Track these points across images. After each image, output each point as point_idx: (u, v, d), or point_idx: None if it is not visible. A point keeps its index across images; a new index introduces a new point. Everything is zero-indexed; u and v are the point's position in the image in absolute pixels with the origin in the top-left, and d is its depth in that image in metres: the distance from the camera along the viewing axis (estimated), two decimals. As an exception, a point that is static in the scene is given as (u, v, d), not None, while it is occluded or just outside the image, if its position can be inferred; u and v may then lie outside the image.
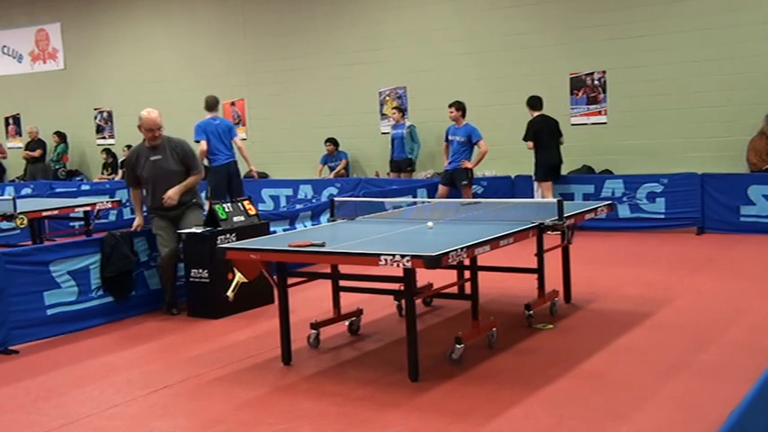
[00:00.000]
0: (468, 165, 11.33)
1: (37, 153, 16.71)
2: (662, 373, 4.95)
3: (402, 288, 5.14)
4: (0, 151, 16.82)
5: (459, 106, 11.32)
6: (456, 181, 11.28)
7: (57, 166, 17.00)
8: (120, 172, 16.21)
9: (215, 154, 10.40)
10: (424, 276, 6.32)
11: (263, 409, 4.71)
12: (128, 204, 12.33)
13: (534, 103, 11.12)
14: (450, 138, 11.42)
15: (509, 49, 12.68)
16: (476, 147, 11.28)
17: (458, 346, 5.29)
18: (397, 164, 13.03)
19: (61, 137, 17.08)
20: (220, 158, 10.42)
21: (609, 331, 5.92)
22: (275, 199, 13.43)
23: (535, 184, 11.20)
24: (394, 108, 13.24)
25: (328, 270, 5.94)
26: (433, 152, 13.12)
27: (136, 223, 7.48)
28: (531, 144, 10.94)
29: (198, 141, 10.30)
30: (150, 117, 7.07)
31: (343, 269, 5.83)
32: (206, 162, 10.28)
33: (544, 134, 10.89)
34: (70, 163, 17.30)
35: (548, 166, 10.90)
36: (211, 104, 10.69)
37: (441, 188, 11.40)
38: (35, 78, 17.80)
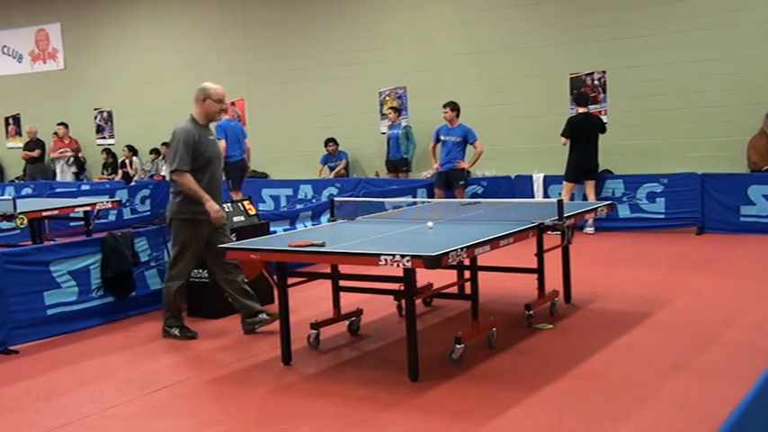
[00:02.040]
0: (465, 165, 11.34)
1: (36, 153, 16.70)
2: (662, 373, 4.95)
3: (402, 288, 5.14)
4: (73, 148, 16.62)
5: (455, 107, 11.33)
6: (452, 181, 11.27)
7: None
8: (119, 172, 16.20)
9: (232, 151, 11.65)
10: (424, 276, 6.32)
11: (263, 409, 4.71)
12: (128, 204, 12.30)
13: (579, 99, 10.96)
14: (443, 138, 11.38)
15: (509, 49, 12.68)
16: (471, 147, 11.29)
17: (458, 346, 5.29)
18: (393, 164, 13.07)
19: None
20: (236, 155, 11.74)
21: (609, 331, 5.92)
22: (275, 199, 13.44)
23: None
24: (390, 108, 13.25)
25: (328, 270, 5.94)
26: (433, 152, 13.12)
27: (216, 209, 6.09)
28: (564, 140, 10.70)
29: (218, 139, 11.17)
30: (220, 88, 6.34)
31: (343, 269, 5.83)
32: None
33: (580, 134, 10.65)
34: (70, 163, 17.28)
35: (573, 166, 10.72)
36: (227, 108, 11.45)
37: (438, 191, 11.38)
38: (35, 78, 17.79)
